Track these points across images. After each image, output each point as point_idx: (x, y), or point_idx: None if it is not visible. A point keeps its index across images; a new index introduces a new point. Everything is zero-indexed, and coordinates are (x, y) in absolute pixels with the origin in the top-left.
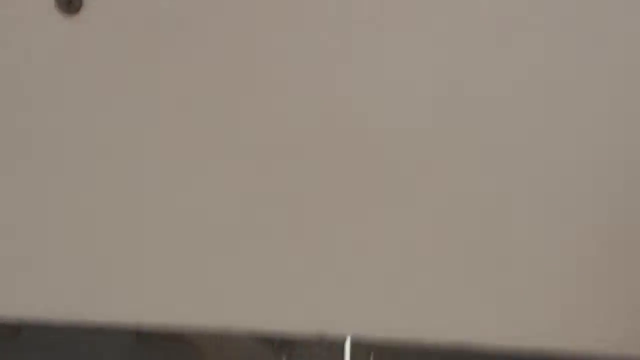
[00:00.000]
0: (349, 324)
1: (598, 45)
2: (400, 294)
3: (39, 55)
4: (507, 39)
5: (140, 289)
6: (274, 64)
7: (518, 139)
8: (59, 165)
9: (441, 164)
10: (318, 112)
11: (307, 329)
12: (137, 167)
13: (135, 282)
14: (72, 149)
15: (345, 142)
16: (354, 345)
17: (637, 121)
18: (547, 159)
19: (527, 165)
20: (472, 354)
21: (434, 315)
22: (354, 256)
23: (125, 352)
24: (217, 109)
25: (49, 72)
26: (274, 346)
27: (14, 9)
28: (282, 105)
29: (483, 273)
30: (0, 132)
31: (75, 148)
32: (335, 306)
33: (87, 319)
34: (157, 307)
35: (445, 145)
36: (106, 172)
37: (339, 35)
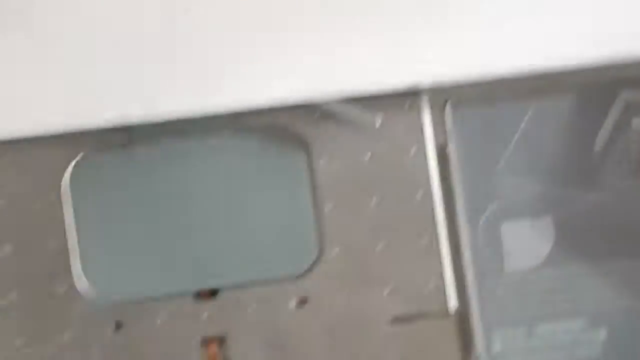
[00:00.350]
0: (421, 73)
1: None
2: (467, 30)
3: None
4: None
5: (238, 74)
6: None
7: None
8: None
9: None
10: None
11: (385, 85)
12: None
13: (232, 67)
14: None
15: None
16: (430, 94)
17: None
18: None
19: None
20: (551, 81)
21: (505, 46)
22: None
23: (227, 143)
24: None
25: None
26: (365, 109)
27: None
28: None
29: None
30: None
31: None
32: (407, 57)
33: (190, 112)
34: (255, 91)
35: None
36: None
37: None
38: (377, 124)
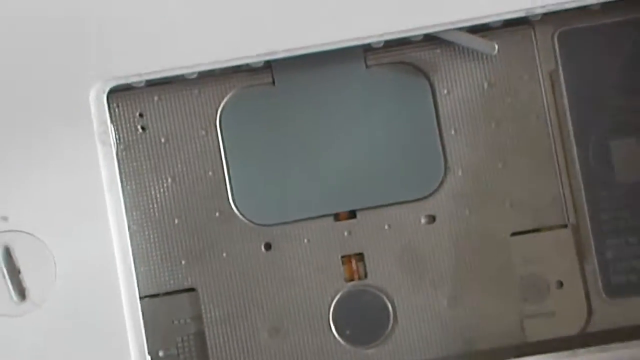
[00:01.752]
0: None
1: None
2: None
3: None
4: None
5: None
6: None
7: None
8: None
9: None
10: None
11: (498, 14)
12: None
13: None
14: None
15: None
16: (540, 24)
17: None
18: None
19: None
20: None
21: None
22: None
23: (359, 78)
24: None
25: None
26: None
27: None
28: None
29: None
30: None
31: None
32: None
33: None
34: (382, 23)
35: None
36: None
37: None
38: (495, 51)
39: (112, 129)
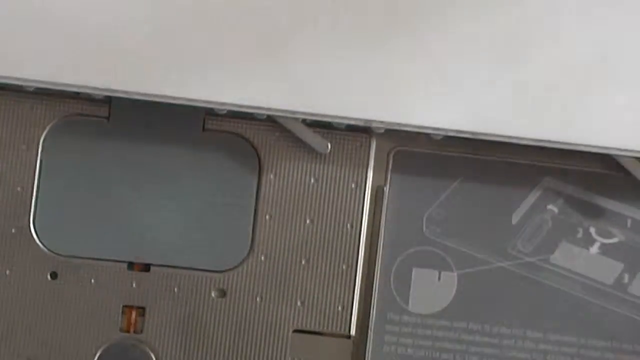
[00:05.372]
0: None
1: None
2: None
3: None
4: None
5: (211, 69)
6: None
7: None
8: None
9: None
10: None
11: (343, 117)
12: None
13: (208, 60)
14: None
15: None
16: (381, 138)
17: None
18: None
19: None
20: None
21: None
22: None
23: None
24: None
25: None
26: (321, 135)
27: None
28: None
29: None
30: None
31: None
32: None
33: (168, 98)
34: (227, 89)
35: None
36: None
37: None
38: (327, 151)
39: None
